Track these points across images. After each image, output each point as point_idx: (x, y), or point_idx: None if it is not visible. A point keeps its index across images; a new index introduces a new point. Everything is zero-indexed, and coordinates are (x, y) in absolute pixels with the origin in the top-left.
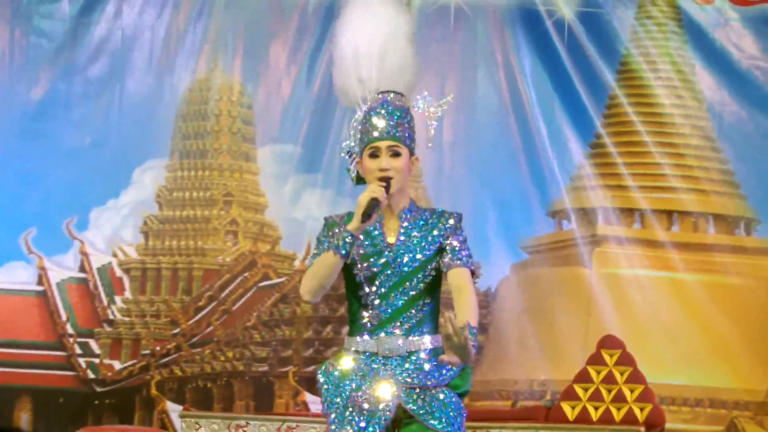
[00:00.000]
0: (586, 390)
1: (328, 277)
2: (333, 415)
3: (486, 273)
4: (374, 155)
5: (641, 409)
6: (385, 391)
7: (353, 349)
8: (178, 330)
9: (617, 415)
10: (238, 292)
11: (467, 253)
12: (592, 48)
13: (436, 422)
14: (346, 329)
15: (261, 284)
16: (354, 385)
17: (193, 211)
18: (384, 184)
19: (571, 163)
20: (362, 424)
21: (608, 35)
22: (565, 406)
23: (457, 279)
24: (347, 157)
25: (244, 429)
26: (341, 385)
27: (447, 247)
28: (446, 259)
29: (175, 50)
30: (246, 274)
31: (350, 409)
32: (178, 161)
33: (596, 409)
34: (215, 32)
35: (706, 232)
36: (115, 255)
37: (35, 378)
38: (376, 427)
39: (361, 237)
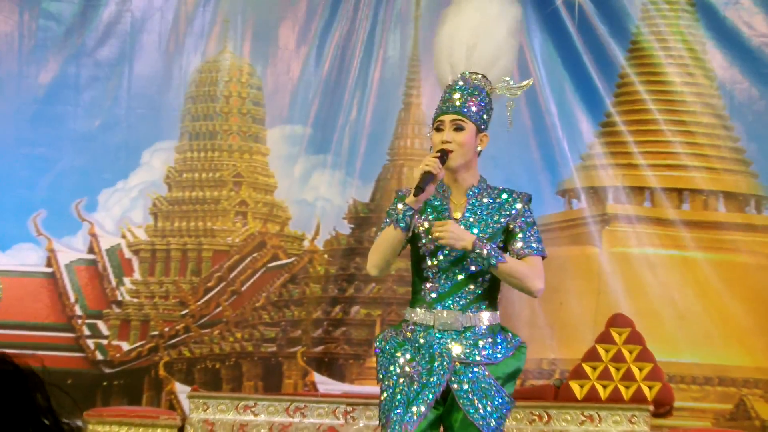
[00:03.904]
0: (594, 369)
1: (390, 251)
2: (385, 383)
3: None
4: (439, 129)
5: (650, 388)
6: (439, 365)
7: (412, 320)
8: (187, 311)
9: (626, 394)
10: (247, 272)
11: (536, 237)
12: (602, 27)
13: (476, 414)
14: (355, 309)
15: (270, 265)
16: (408, 356)
17: (202, 192)
18: (438, 155)
19: (582, 142)
20: (412, 395)
21: (619, 14)
22: (574, 385)
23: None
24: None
25: (253, 410)
26: (396, 355)
27: (517, 234)
28: (517, 247)
29: (184, 33)
30: (255, 255)
31: (402, 379)
32: (187, 142)
33: (605, 387)
34: (224, 14)
35: (716, 210)
36: (124, 236)
37: (44, 359)
38: (426, 398)
39: (427, 210)
